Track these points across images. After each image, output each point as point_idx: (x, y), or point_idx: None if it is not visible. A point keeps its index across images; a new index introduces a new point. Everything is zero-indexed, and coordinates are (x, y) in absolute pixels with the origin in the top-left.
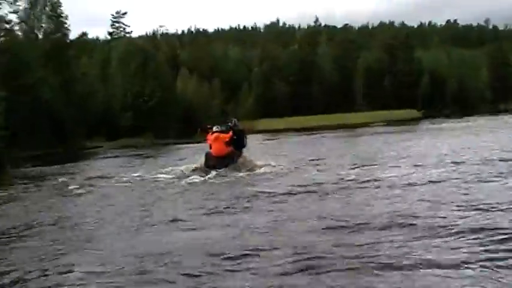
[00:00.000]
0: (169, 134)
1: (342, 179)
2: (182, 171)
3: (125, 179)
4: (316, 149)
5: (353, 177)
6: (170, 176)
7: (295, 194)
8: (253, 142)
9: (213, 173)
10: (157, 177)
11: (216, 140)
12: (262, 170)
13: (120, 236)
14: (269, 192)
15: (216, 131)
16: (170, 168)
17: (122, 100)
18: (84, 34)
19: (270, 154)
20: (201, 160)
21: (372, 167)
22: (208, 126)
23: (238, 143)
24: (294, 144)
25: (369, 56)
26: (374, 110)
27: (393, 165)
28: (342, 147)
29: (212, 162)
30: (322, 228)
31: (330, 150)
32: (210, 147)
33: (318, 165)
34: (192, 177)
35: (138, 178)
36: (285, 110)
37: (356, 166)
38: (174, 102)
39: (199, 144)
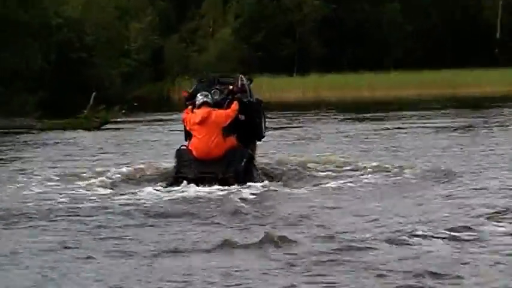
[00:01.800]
0: (18, 107)
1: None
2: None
3: None
4: (404, 155)
5: None
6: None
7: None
8: None
9: (189, 187)
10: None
11: (203, 124)
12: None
13: None
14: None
15: (205, 102)
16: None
17: None
18: None
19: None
20: (158, 166)
21: None
22: (185, 95)
23: (250, 128)
24: (345, 140)
25: None
26: None
27: None
28: (469, 154)
29: (194, 171)
30: None
31: (449, 156)
32: (189, 139)
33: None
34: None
35: None
36: (314, 60)
37: None
38: (38, 27)
39: (93, 135)
